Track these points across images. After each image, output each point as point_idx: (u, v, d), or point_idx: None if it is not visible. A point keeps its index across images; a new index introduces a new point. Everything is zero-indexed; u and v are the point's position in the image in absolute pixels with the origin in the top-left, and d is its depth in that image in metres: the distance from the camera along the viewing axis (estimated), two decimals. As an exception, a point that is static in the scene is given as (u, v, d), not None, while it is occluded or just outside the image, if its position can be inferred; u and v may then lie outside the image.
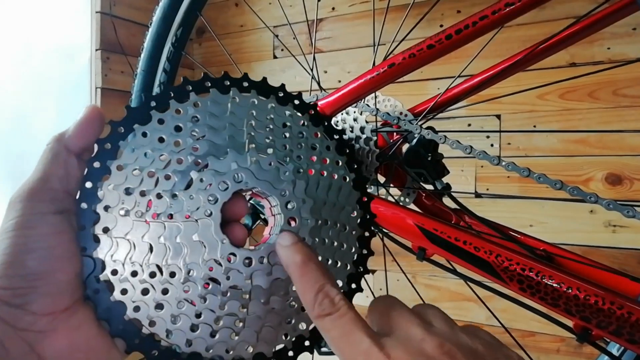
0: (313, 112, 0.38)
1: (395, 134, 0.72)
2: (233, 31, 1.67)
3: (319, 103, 0.63)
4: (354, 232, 0.38)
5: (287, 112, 0.37)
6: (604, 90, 1.14)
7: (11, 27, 1.37)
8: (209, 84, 0.35)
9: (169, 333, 0.32)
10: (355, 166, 0.39)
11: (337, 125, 0.68)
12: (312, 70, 0.76)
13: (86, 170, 0.32)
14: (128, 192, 0.32)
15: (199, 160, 0.33)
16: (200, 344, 0.33)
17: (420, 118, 0.67)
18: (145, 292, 0.32)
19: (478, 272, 0.50)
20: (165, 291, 0.32)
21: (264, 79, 0.37)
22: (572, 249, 0.59)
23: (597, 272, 0.55)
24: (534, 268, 0.47)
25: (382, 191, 0.70)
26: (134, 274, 0.32)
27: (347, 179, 0.38)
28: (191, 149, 0.33)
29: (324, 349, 0.57)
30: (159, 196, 0.32)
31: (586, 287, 0.45)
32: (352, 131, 0.67)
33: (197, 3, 0.77)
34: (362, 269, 0.38)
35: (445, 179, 0.71)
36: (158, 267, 0.32)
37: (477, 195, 1.27)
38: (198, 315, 0.33)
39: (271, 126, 0.36)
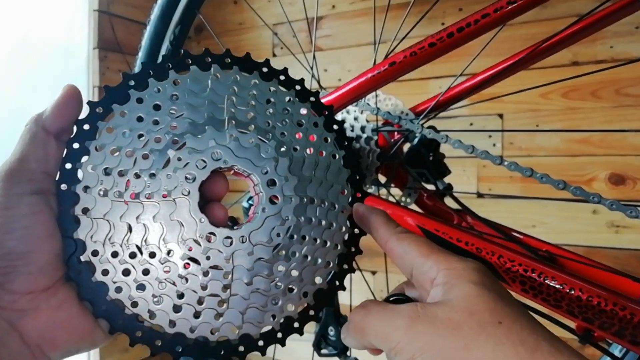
0: (300, 88, 0.37)
1: (396, 133, 0.71)
2: (232, 29, 1.66)
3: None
4: (344, 211, 0.37)
5: (272, 88, 0.36)
6: (607, 90, 1.13)
7: (8, 25, 1.36)
8: (190, 61, 0.34)
9: (151, 314, 0.32)
10: (346, 143, 0.38)
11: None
12: (312, 68, 0.76)
13: (65, 151, 0.32)
14: (107, 172, 0.32)
15: (177, 139, 0.33)
16: (184, 324, 0.33)
17: (421, 117, 0.66)
18: (126, 272, 0.32)
19: (480, 273, 0.50)
20: (146, 272, 0.32)
21: (247, 54, 0.36)
22: (575, 250, 0.59)
23: (599, 273, 0.55)
24: (536, 269, 0.46)
25: (383, 191, 0.70)
26: (115, 254, 0.32)
27: (337, 157, 0.37)
28: (169, 128, 0.33)
29: (324, 351, 0.57)
30: (137, 176, 0.32)
31: (589, 288, 0.44)
32: (352, 130, 0.66)
33: (196, 1, 0.77)
34: (354, 249, 0.37)
35: (447, 179, 0.71)
36: (138, 247, 0.32)
37: (479, 195, 1.27)
38: (180, 296, 0.33)
39: (253, 102, 0.35)
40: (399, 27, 0.68)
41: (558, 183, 0.52)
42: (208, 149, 0.34)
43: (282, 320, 0.35)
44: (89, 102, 0.33)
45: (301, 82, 0.37)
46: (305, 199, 0.36)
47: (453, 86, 0.70)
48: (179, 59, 0.34)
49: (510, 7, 0.48)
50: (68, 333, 0.31)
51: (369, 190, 0.67)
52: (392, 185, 0.72)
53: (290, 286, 0.35)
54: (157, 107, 0.33)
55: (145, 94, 0.33)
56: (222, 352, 0.34)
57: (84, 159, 0.32)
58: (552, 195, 0.60)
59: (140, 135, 0.33)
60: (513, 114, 1.23)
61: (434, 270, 0.32)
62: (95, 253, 0.32)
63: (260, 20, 1.59)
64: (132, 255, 0.32)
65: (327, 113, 0.37)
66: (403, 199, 0.73)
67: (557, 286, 0.45)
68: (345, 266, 0.37)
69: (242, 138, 0.35)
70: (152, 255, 0.33)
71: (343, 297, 0.57)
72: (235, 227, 0.35)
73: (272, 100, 0.36)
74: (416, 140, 0.69)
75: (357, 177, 0.38)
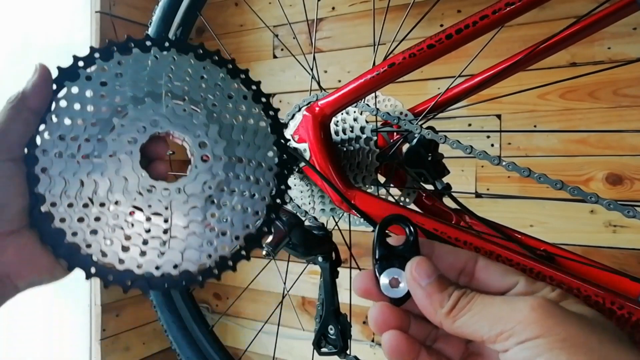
0: (231, 66, 0.43)
1: (395, 133, 0.72)
2: (232, 31, 1.66)
3: (319, 103, 0.63)
4: (271, 170, 0.43)
5: (205, 67, 0.42)
6: (605, 90, 1.14)
7: (10, 26, 1.37)
8: (132, 45, 0.40)
9: (103, 253, 0.38)
10: (272, 113, 0.44)
11: (337, 125, 0.68)
12: (312, 70, 0.76)
13: None
14: (61, 138, 0.38)
15: (120, 109, 0.39)
16: (131, 262, 0.38)
17: (420, 118, 0.67)
18: (80, 220, 0.38)
19: (478, 272, 0.50)
20: (97, 219, 0.38)
21: (181, 38, 0.40)
22: (573, 249, 0.59)
23: (597, 272, 0.55)
24: (534, 268, 0.47)
25: (383, 191, 0.70)
26: (70, 205, 0.38)
27: (264, 124, 0.43)
28: (114, 100, 0.39)
29: (323, 350, 0.58)
30: (87, 140, 0.38)
31: (587, 287, 0.45)
32: (352, 131, 0.67)
33: (197, 3, 0.77)
34: (280, 202, 0.43)
35: (445, 179, 0.71)
36: (89, 199, 0.38)
37: (478, 195, 1.27)
38: (127, 238, 0.39)
39: (188, 79, 0.41)
40: (398, 28, 0.69)
41: (556, 183, 0.52)
42: (147, 117, 0.40)
43: (217, 259, 0.40)
44: None
45: (232, 61, 0.43)
46: (233, 158, 0.42)
47: (452, 87, 0.71)
48: (122, 43, 0.40)
49: (508, 8, 0.49)
50: (32, 268, 0.37)
51: (369, 191, 0.68)
52: (391, 185, 0.73)
53: (223, 230, 0.41)
54: (103, 84, 0.39)
55: (93, 73, 0.39)
56: (165, 286, 0.39)
57: (42, 127, 0.37)
58: (550, 195, 0.60)
59: (89, 107, 0.38)
60: (511, 115, 1.23)
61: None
62: (53, 204, 0.37)
63: (260, 22, 1.59)
64: (85, 206, 0.38)
65: (255, 88, 0.43)
66: (402, 198, 0.74)
67: (555, 285, 0.45)
68: (273, 215, 0.43)
69: (177, 108, 0.40)
70: (102, 205, 0.38)
71: (343, 297, 0.58)
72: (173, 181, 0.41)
73: (205, 76, 0.42)
74: (415, 140, 0.69)
75: (282, 141, 0.44)
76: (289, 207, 0.68)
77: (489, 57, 0.70)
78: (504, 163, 0.55)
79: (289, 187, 0.44)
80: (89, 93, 0.39)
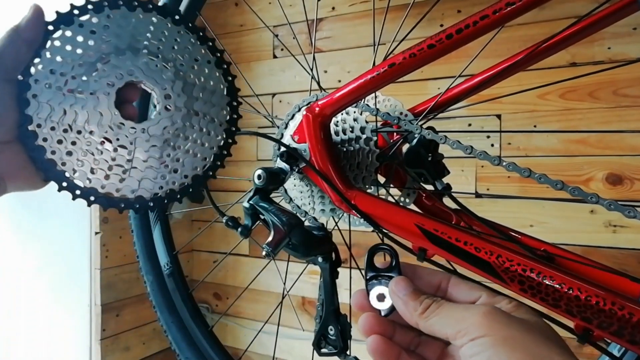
0: (201, 34, 0.50)
1: (395, 134, 0.72)
2: (232, 31, 1.66)
3: (319, 103, 0.63)
4: (221, 125, 0.50)
5: (180, 31, 0.49)
6: (605, 90, 1.14)
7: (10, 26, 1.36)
8: (121, 3, 0.46)
9: (75, 172, 0.45)
10: (230, 78, 0.51)
11: (337, 126, 0.68)
12: (312, 70, 0.76)
13: None
14: (52, 72, 0.43)
15: (104, 56, 0.45)
16: (97, 182, 0.46)
17: (420, 118, 0.66)
18: (59, 142, 0.44)
19: (479, 272, 0.50)
20: (73, 143, 0.44)
21: (165, 4, 0.44)
22: (573, 249, 0.59)
23: (598, 273, 0.55)
24: (534, 269, 0.47)
25: (382, 191, 0.70)
26: (52, 128, 0.44)
27: (222, 87, 0.50)
28: (100, 48, 0.45)
29: (323, 350, 0.57)
30: (73, 77, 0.44)
31: (587, 287, 0.44)
32: (352, 131, 0.67)
33: (197, 2, 0.77)
34: (225, 152, 0.51)
35: (445, 179, 0.71)
36: (69, 125, 0.44)
37: (478, 195, 1.27)
38: (96, 162, 0.45)
39: (163, 39, 0.48)
40: (398, 28, 0.69)
41: (556, 183, 0.52)
42: (125, 67, 0.46)
43: (167, 191, 0.48)
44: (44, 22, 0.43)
45: (203, 30, 0.50)
46: (191, 111, 0.49)
47: (452, 87, 0.71)
48: (113, 0, 0.46)
49: (509, 8, 0.48)
50: (20, 173, 0.43)
51: (369, 191, 0.67)
52: (391, 185, 0.73)
53: (175, 168, 0.48)
54: (92, 32, 0.45)
55: (85, 21, 0.44)
56: (122, 205, 0.47)
57: (37, 60, 0.43)
58: (550, 195, 0.60)
59: (79, 50, 0.44)
60: (511, 115, 1.23)
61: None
62: (39, 125, 0.43)
63: (260, 22, 1.59)
64: (65, 131, 0.44)
65: (218, 55, 0.50)
66: (402, 199, 0.73)
67: (556, 286, 0.45)
68: (218, 162, 0.50)
69: (151, 63, 0.47)
70: (79, 132, 0.44)
71: (343, 297, 0.58)
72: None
73: (178, 39, 0.48)
74: (415, 140, 0.69)
75: (234, 103, 0.51)
76: (288, 207, 0.68)
77: (489, 57, 0.70)
78: (504, 163, 0.55)
79: (235, 142, 0.51)
80: (80, 38, 0.44)
